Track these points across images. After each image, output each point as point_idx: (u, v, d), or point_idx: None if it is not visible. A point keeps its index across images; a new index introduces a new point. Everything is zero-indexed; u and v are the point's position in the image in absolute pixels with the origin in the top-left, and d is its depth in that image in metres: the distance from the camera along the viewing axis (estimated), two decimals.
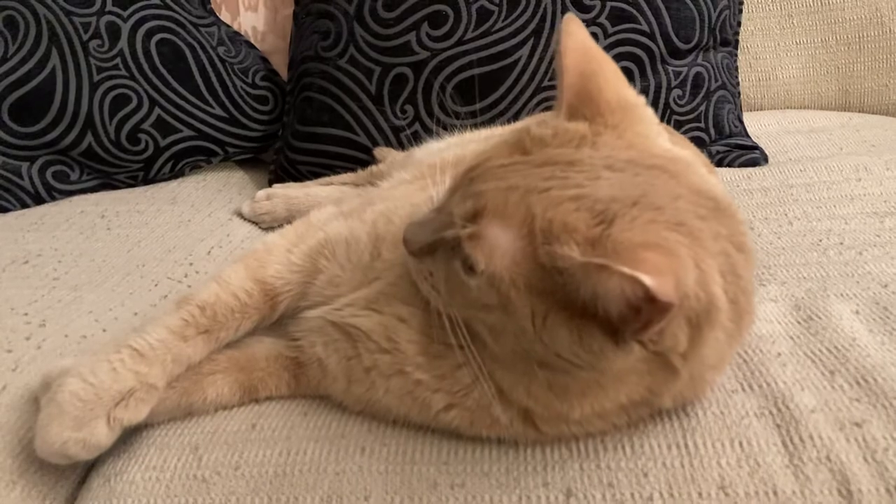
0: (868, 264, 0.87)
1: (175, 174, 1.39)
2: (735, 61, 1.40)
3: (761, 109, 1.53)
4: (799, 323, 0.73)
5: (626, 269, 0.48)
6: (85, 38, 1.30)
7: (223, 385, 0.70)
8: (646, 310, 0.49)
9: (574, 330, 0.53)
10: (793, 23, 1.50)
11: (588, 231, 0.51)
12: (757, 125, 1.41)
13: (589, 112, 0.60)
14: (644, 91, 1.27)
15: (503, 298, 0.55)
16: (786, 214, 1.05)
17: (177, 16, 1.37)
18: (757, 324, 0.72)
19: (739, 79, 1.43)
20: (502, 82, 1.25)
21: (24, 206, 1.30)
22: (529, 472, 0.61)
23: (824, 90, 1.51)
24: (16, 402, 0.69)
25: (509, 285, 0.54)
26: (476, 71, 1.24)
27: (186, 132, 1.35)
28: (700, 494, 0.57)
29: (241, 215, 1.23)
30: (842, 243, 0.93)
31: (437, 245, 0.59)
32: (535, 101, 1.27)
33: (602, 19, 1.27)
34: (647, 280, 0.47)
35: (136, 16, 1.34)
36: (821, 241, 0.95)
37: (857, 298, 0.77)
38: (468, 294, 0.57)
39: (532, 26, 1.27)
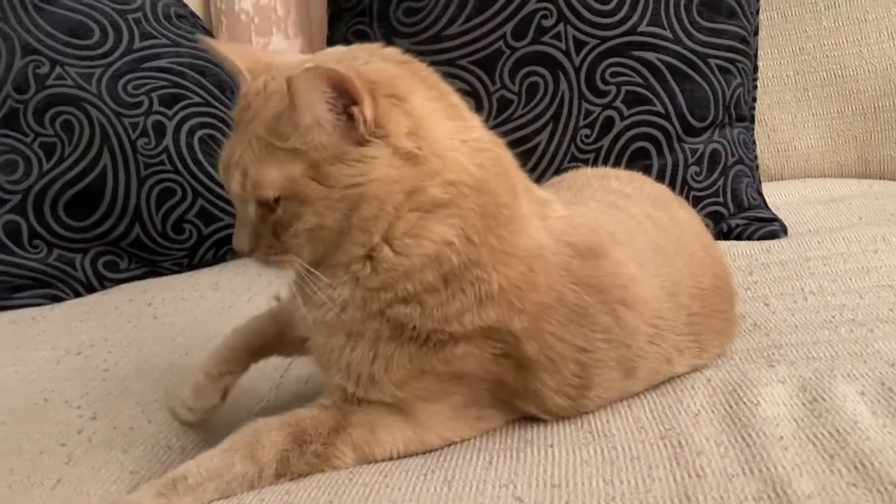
0: (878, 342, 0.89)
1: (218, 260, 1.47)
2: (752, 135, 1.44)
3: (781, 179, 1.56)
4: (804, 405, 0.76)
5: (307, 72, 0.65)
6: (133, 136, 1.40)
7: None
8: (342, 98, 0.67)
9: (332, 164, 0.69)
10: (808, 95, 1.54)
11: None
12: (777, 195, 1.45)
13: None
14: (661, 169, 1.33)
15: (302, 200, 0.69)
16: (802, 289, 1.08)
17: (218, 112, 1.46)
18: (762, 406, 0.76)
19: (758, 151, 1.47)
20: (523, 166, 1.31)
21: (78, 294, 1.38)
22: None
23: (844, 159, 1.54)
24: (69, 495, 0.75)
25: (297, 188, 0.69)
26: None
27: (228, 220, 1.43)
28: None
29: (278, 299, 1.29)
30: (853, 320, 0.96)
31: (253, 226, 0.73)
32: None
33: (618, 103, 1.33)
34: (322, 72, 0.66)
35: (181, 114, 1.43)
36: (833, 317, 0.98)
37: (864, 379, 0.79)
38: (293, 227, 0.71)
39: (550, 112, 1.33)
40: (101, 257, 1.41)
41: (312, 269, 0.73)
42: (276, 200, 0.71)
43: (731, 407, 0.77)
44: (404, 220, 0.72)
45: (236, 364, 0.85)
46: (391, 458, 0.77)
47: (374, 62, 0.74)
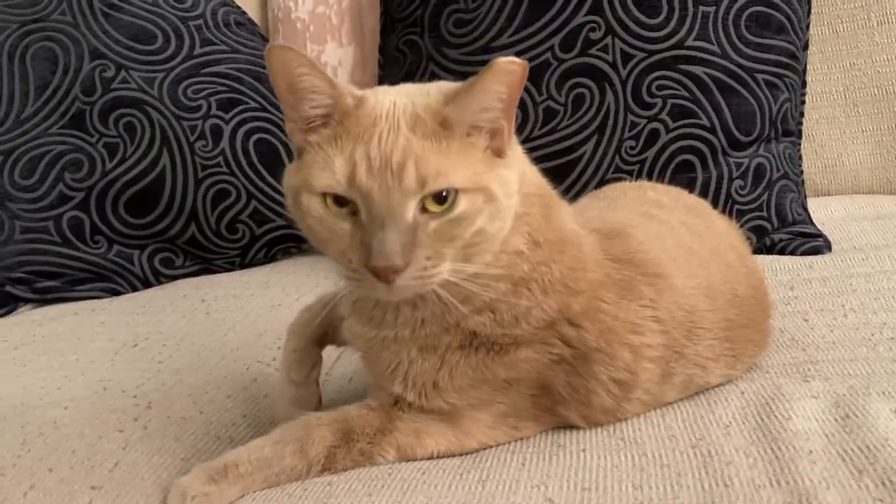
0: None
1: (268, 259, 1.52)
2: (798, 150, 1.44)
3: (829, 195, 1.56)
4: (836, 420, 0.77)
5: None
6: (192, 139, 1.46)
7: None
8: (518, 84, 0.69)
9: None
10: (858, 111, 1.53)
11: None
12: (823, 211, 1.45)
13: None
14: (706, 182, 1.34)
15: (488, 196, 0.70)
16: (843, 306, 1.08)
17: (272, 117, 1.51)
18: (794, 420, 0.77)
19: (806, 166, 1.47)
20: (567, 176, 1.34)
21: (135, 289, 1.44)
22: None
23: (893, 175, 1.53)
24: (125, 477, 0.79)
25: (483, 181, 0.70)
26: (542, 165, 1.33)
27: (279, 222, 1.48)
28: None
29: None
30: (893, 338, 0.96)
31: (410, 235, 0.68)
32: None
33: (663, 115, 1.34)
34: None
35: (237, 118, 1.49)
36: (872, 335, 0.98)
37: None
38: (465, 229, 0.69)
39: (596, 124, 1.35)
40: (158, 254, 1.47)
41: (468, 279, 0.71)
42: (453, 197, 0.69)
43: (762, 420, 0.78)
44: None
45: (311, 361, 0.87)
46: (430, 459, 0.80)
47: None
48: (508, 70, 0.68)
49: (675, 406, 0.84)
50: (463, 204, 0.69)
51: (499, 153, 0.73)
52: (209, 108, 1.48)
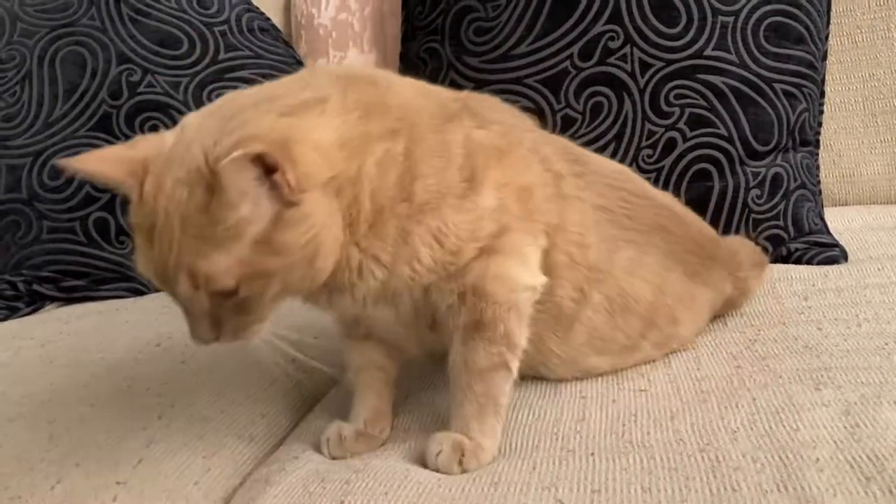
0: None
1: None
2: (816, 161, 1.45)
3: (846, 205, 1.56)
4: (845, 429, 0.77)
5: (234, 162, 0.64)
6: None
7: None
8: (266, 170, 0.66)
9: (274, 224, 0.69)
10: (877, 122, 1.53)
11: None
12: (840, 221, 1.45)
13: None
14: (722, 191, 1.35)
15: (264, 275, 0.70)
16: (857, 315, 1.09)
17: None
18: (802, 429, 0.78)
19: (823, 176, 1.48)
20: None
21: (158, 290, 1.47)
22: None
23: None
24: (149, 473, 0.82)
25: (254, 266, 0.69)
26: None
27: None
28: None
29: None
30: None
31: (211, 316, 0.72)
32: None
33: (681, 124, 1.36)
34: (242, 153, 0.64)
35: None
36: (886, 344, 0.98)
37: None
38: (260, 300, 0.72)
39: (613, 132, 1.37)
40: None
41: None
42: (235, 286, 0.70)
43: (771, 426, 0.79)
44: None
45: (386, 416, 0.90)
46: None
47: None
48: (240, 165, 0.66)
49: (683, 410, 0.85)
50: (242, 291, 0.70)
51: (293, 202, 0.69)
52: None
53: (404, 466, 0.81)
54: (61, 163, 0.74)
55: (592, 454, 0.79)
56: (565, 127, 1.38)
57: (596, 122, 1.37)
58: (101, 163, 0.73)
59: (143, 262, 0.73)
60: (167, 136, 0.75)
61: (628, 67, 1.38)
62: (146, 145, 0.74)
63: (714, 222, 1.30)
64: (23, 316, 1.41)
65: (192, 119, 0.75)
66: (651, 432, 0.81)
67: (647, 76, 1.37)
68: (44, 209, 1.45)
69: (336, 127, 0.74)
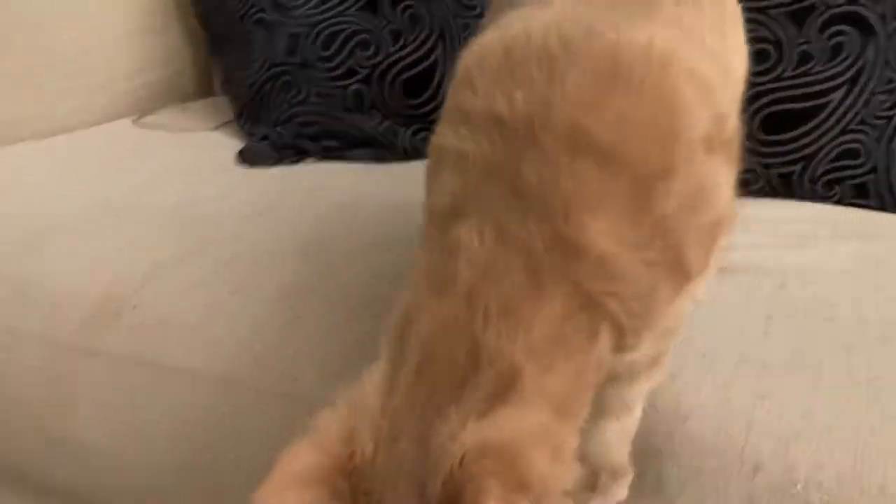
0: None
1: None
2: None
3: None
4: None
5: None
6: (464, 35, 1.63)
7: None
8: None
9: None
10: None
11: None
12: None
13: None
14: None
15: None
16: None
17: None
18: None
19: None
20: (808, 121, 1.39)
21: (398, 160, 1.67)
22: None
23: None
24: None
25: None
26: (785, 107, 1.39)
27: None
28: None
29: None
30: None
31: None
32: (838, 141, 1.38)
33: None
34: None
35: None
36: None
37: None
38: None
39: (850, 74, 1.38)
40: (419, 133, 1.68)
41: None
42: None
43: None
44: None
45: None
46: None
47: None
48: None
49: None
50: None
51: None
52: (482, 10, 1.64)
53: None
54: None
55: None
56: (801, 62, 1.40)
57: (834, 62, 1.39)
58: (286, 492, 0.52)
59: None
60: (356, 408, 0.56)
61: (879, 10, 1.37)
62: (331, 437, 0.55)
63: None
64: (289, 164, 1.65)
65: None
66: None
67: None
68: (315, 75, 1.67)
69: None
